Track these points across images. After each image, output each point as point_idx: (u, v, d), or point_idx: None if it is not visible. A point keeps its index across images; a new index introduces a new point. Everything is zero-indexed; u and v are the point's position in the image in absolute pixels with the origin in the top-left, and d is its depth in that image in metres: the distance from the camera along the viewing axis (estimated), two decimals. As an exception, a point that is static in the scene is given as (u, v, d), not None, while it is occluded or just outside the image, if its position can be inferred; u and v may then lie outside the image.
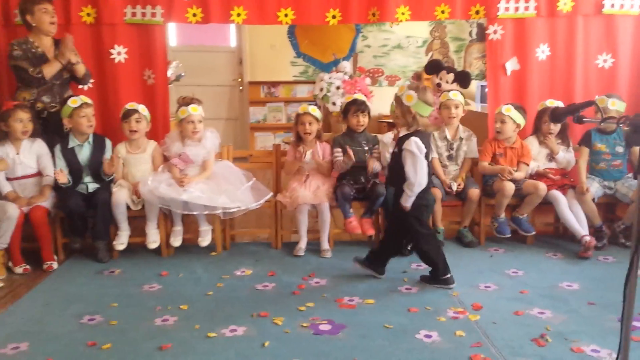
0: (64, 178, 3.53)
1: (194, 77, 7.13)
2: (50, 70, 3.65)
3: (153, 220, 3.64)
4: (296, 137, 3.86)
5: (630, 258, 1.72)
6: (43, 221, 3.45)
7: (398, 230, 3.20)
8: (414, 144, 2.94)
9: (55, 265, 3.47)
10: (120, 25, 4.01)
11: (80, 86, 3.99)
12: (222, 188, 3.65)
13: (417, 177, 2.94)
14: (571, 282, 3.13)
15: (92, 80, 4.04)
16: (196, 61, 7.55)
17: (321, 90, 5.11)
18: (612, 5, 4.14)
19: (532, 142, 3.95)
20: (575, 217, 3.66)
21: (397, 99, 3.04)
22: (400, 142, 3.04)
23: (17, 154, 3.52)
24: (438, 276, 3.10)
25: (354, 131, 3.83)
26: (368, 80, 5.33)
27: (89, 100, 3.67)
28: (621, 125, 1.80)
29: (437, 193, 3.77)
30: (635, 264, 1.72)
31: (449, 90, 4.09)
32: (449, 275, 3.09)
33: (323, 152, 3.85)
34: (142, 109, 3.75)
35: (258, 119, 7.92)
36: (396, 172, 3.08)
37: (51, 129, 3.70)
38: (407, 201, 3.00)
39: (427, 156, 3.00)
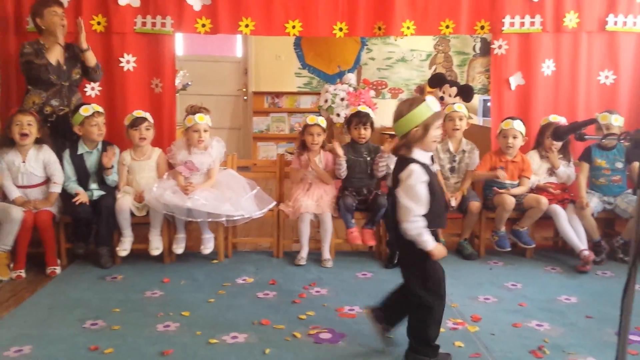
0: (85, 198, 3.58)
1: (200, 86, 7.22)
2: (53, 54, 3.71)
3: (157, 227, 3.67)
4: (300, 146, 3.91)
5: (628, 272, 1.75)
6: (48, 225, 3.49)
7: None
8: None
9: (58, 270, 3.50)
10: (130, 34, 4.09)
11: (91, 84, 4.05)
12: (226, 196, 3.69)
13: None
14: (569, 296, 3.15)
15: (99, 88, 4.11)
16: (202, 71, 7.65)
17: (326, 101, 5.18)
18: (616, 23, 4.21)
19: (534, 157, 3.99)
20: (575, 232, 3.68)
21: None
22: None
23: (23, 162, 3.54)
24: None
25: (357, 142, 3.87)
26: (372, 93, 5.37)
27: (100, 109, 3.72)
28: (622, 141, 1.83)
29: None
30: (633, 278, 1.75)
31: (453, 103, 4.14)
32: None
33: (326, 161, 3.89)
34: (148, 116, 3.81)
35: (261, 129, 7.99)
36: None
37: (60, 133, 3.75)
38: None
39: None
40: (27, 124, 3.49)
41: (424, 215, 2.23)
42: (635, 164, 3.82)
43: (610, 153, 3.87)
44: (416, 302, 2.31)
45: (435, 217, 2.27)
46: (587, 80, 4.30)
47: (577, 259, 3.65)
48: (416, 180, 2.21)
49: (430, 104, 2.25)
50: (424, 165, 2.26)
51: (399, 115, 2.28)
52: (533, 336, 2.62)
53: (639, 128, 1.77)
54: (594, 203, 3.78)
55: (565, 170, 3.95)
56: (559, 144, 3.92)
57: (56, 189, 3.60)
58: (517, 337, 2.61)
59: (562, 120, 3.96)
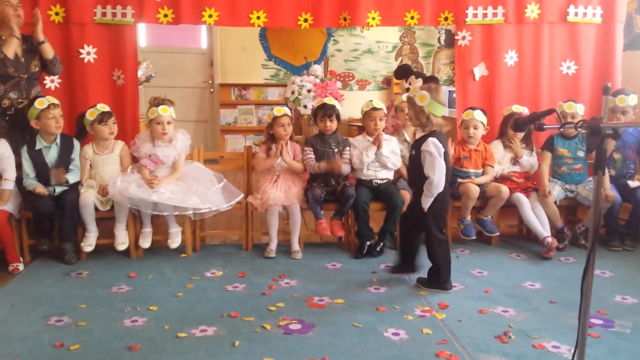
0: (43, 189, 3.47)
1: (164, 78, 7.11)
2: (8, 47, 3.60)
3: (122, 222, 3.61)
4: (267, 137, 3.89)
5: (587, 257, 1.80)
6: (4, 225, 3.37)
7: (412, 229, 3.26)
8: (432, 145, 2.94)
9: (21, 267, 3.42)
10: (89, 25, 3.99)
11: (51, 77, 3.94)
12: (192, 189, 3.64)
13: (436, 178, 2.95)
14: (534, 282, 3.23)
15: (59, 80, 4.00)
16: (166, 62, 7.53)
17: (293, 93, 5.16)
18: (576, 14, 4.30)
19: (497, 146, 4.05)
20: (538, 219, 3.77)
21: (410, 99, 3.03)
22: (417, 143, 3.04)
23: None
24: (437, 280, 3.08)
25: (324, 134, 3.87)
26: (339, 84, 5.38)
27: (56, 101, 3.61)
28: (579, 129, 1.87)
29: (406, 195, 3.84)
30: (592, 263, 1.80)
31: (401, 94, 4.18)
32: (448, 283, 3.09)
33: (293, 152, 3.89)
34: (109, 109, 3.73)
35: (228, 122, 7.92)
36: (416, 173, 3.09)
37: (19, 126, 3.63)
38: (426, 202, 3.01)
39: (445, 156, 2.99)
40: None
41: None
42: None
43: (572, 142, 3.97)
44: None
45: None
46: (549, 70, 4.39)
47: (540, 246, 3.74)
48: None
49: None
50: None
51: None
52: (499, 322, 2.68)
53: (595, 117, 1.81)
54: (556, 191, 3.88)
55: (528, 159, 4.03)
56: (521, 134, 4.00)
57: (8, 185, 3.45)
58: (483, 323, 2.66)
59: (524, 110, 4.04)
